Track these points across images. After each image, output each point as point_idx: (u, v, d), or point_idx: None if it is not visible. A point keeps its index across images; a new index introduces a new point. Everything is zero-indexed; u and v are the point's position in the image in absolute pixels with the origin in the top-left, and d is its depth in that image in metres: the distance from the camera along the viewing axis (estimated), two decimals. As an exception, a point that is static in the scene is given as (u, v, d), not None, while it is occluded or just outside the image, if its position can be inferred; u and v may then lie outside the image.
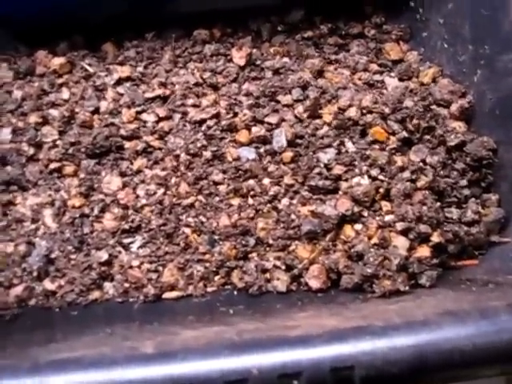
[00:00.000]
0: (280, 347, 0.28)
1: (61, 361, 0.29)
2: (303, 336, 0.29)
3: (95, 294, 0.43)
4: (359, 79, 0.52)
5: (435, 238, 0.40)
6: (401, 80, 0.52)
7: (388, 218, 0.42)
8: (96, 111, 0.50)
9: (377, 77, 0.53)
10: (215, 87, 0.52)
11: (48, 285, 0.44)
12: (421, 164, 0.43)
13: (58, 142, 0.49)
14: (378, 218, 0.42)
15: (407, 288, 0.38)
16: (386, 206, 0.43)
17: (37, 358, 0.30)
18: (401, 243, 0.40)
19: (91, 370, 0.28)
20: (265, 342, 0.29)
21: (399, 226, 0.40)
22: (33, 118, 0.50)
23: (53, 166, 0.48)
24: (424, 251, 0.40)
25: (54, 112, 0.51)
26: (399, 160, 0.44)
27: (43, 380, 0.28)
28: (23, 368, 0.29)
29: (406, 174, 0.43)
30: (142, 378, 0.27)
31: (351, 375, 0.28)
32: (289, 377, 0.27)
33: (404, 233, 0.40)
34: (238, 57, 0.54)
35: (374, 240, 0.41)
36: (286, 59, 0.55)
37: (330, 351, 0.28)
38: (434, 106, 0.48)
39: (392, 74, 0.53)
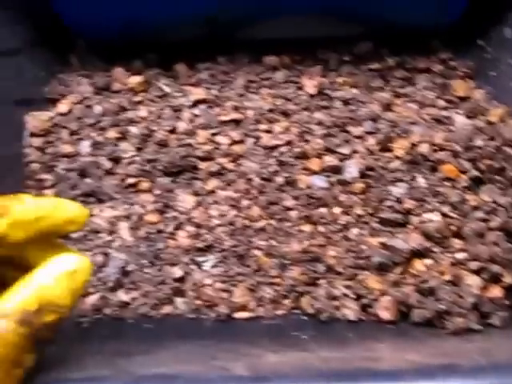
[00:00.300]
0: (372, 379, 0.29)
1: (158, 376, 0.31)
2: (393, 370, 0.30)
3: (167, 309, 0.45)
4: (427, 114, 0.53)
5: (507, 279, 0.41)
6: (468, 118, 0.53)
7: (460, 255, 0.43)
8: (173, 131, 0.53)
9: (444, 113, 0.54)
10: (287, 114, 0.54)
11: (122, 296, 0.46)
12: (493, 204, 0.44)
13: (136, 158, 0.52)
14: (449, 255, 0.43)
15: (479, 327, 0.39)
16: (457, 243, 0.43)
17: (132, 372, 0.32)
18: (474, 282, 0.41)
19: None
20: (355, 372, 0.30)
21: (473, 265, 0.41)
22: (111, 134, 0.53)
23: (129, 181, 0.51)
24: (496, 291, 0.41)
25: (132, 129, 0.53)
26: (471, 199, 0.45)
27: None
28: (122, 380, 0.30)
29: (479, 214, 0.44)
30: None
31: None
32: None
33: (477, 272, 0.41)
34: (310, 85, 0.55)
35: (447, 276, 0.42)
36: (354, 90, 0.56)
37: (421, 388, 0.29)
38: (504, 147, 0.48)
39: (459, 111, 0.54)
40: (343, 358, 0.34)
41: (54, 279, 0.30)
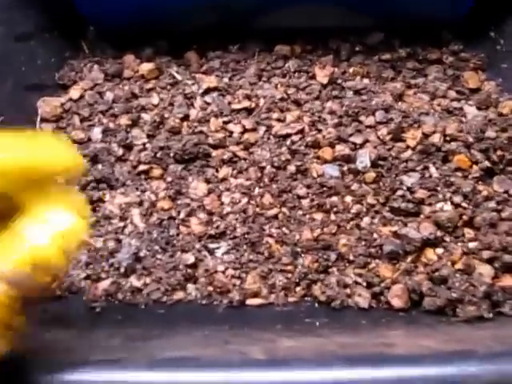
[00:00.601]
0: (389, 364, 0.30)
1: (178, 358, 0.31)
2: (409, 355, 0.30)
3: (179, 295, 0.45)
4: (438, 105, 0.54)
5: (519, 268, 0.42)
6: (479, 109, 0.53)
7: (472, 245, 0.43)
8: (185, 118, 0.53)
9: (455, 104, 0.54)
10: (299, 103, 0.54)
11: (134, 282, 0.46)
12: (505, 195, 0.45)
13: (148, 145, 0.52)
14: (460, 244, 0.43)
15: (491, 315, 0.39)
16: (469, 233, 0.44)
17: (150, 353, 0.32)
18: (486, 271, 0.41)
19: (209, 370, 0.30)
20: (372, 357, 0.30)
21: (485, 254, 0.42)
22: (123, 120, 0.53)
23: (141, 167, 0.51)
24: (508, 280, 0.41)
25: (144, 115, 0.53)
26: (483, 189, 0.45)
27: (164, 375, 0.29)
28: (142, 363, 0.31)
29: (492, 204, 0.44)
30: (259, 382, 0.29)
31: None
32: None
33: (489, 261, 0.42)
34: (321, 75, 0.55)
35: (459, 265, 0.42)
36: (366, 80, 0.56)
37: (438, 372, 0.29)
38: (516, 139, 0.49)
39: (470, 103, 0.54)
40: (357, 344, 0.34)
41: (47, 239, 0.28)
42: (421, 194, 0.46)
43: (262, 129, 0.52)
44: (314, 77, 0.56)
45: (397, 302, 0.42)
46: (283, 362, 0.30)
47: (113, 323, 0.43)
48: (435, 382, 0.29)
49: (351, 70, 0.57)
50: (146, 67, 0.57)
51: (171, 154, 0.51)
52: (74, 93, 0.55)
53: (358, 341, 0.35)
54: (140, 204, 0.49)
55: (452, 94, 0.55)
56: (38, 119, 0.53)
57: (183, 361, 0.31)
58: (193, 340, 0.36)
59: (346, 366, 0.30)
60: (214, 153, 0.51)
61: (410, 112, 0.52)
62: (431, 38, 0.61)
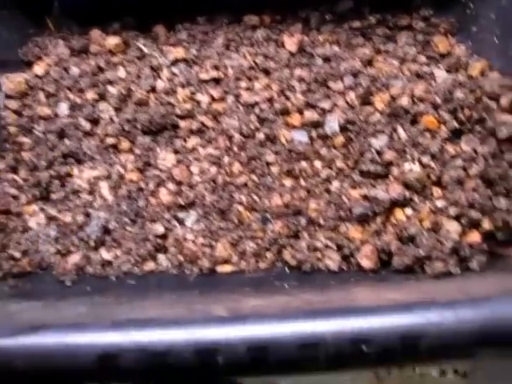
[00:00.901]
0: (352, 315, 0.30)
1: (141, 319, 0.31)
2: (373, 306, 0.30)
3: (150, 265, 0.45)
4: (408, 70, 0.53)
5: (486, 224, 0.42)
6: (449, 72, 0.53)
7: (439, 203, 0.43)
8: (152, 90, 0.52)
9: (425, 68, 0.53)
10: (267, 72, 0.53)
11: (104, 254, 0.46)
12: (472, 153, 0.45)
13: (115, 119, 0.51)
14: (429, 204, 0.43)
15: (458, 271, 0.40)
16: (437, 192, 0.44)
17: (115, 316, 0.32)
18: (453, 227, 0.41)
19: (172, 327, 0.29)
20: (336, 310, 0.30)
21: (452, 211, 0.42)
22: (90, 95, 0.52)
23: (109, 141, 0.50)
24: (475, 236, 0.41)
25: (110, 89, 0.52)
26: (451, 149, 0.45)
27: (127, 335, 0.29)
28: (106, 324, 0.30)
29: (459, 162, 0.44)
30: (222, 337, 0.29)
31: (418, 344, 0.29)
32: (360, 343, 0.29)
33: (456, 218, 0.42)
34: (290, 43, 0.55)
35: (426, 224, 0.42)
36: (335, 47, 0.56)
37: (399, 321, 0.29)
38: (485, 98, 0.48)
39: (440, 66, 0.54)
40: (323, 300, 0.34)
41: None
42: (389, 155, 0.46)
43: (231, 98, 0.51)
44: (282, 45, 0.55)
45: (366, 263, 0.42)
46: (245, 317, 0.30)
47: (82, 295, 0.42)
48: (396, 330, 0.29)
49: (321, 38, 0.57)
50: (112, 41, 0.56)
51: (139, 127, 0.50)
52: (39, 69, 0.54)
53: (324, 298, 0.35)
54: (108, 177, 0.49)
55: (422, 58, 0.55)
56: (3, 96, 0.52)
57: (146, 321, 0.30)
58: (161, 303, 0.36)
59: (308, 319, 0.30)
60: (182, 123, 0.50)
61: (378, 76, 0.51)
62: (401, 5, 0.60)
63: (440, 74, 0.53)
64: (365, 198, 0.45)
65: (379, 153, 0.46)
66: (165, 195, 0.47)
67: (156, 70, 0.53)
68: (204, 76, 0.52)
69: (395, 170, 0.45)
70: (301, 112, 0.49)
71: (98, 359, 0.29)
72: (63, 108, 0.52)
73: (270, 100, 0.51)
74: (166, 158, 0.49)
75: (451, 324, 0.29)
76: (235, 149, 0.49)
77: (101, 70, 0.54)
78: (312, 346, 0.28)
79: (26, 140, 0.51)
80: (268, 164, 0.48)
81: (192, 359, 0.28)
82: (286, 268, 0.44)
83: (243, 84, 0.52)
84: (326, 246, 0.44)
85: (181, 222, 0.46)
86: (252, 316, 0.30)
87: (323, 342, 0.29)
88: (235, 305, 0.34)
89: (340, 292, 0.36)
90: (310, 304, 0.32)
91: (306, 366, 0.29)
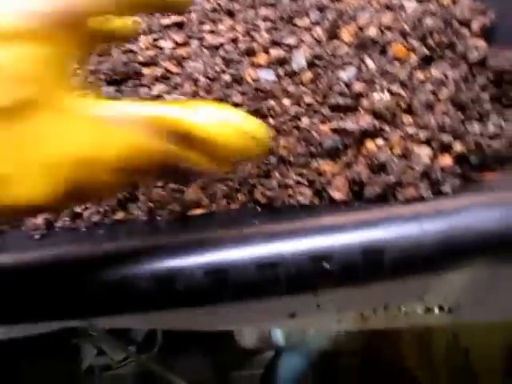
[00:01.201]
0: (311, 234, 0.29)
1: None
2: (334, 224, 0.30)
3: (120, 215, 0.44)
4: (377, 2, 0.51)
5: (457, 147, 0.40)
6: (420, 2, 0.51)
7: (410, 129, 0.42)
8: (113, 39, 0.50)
9: (395, 0, 0.52)
10: (231, 13, 0.52)
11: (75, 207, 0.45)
12: (442, 77, 0.43)
13: (78, 71, 0.49)
14: (399, 132, 0.42)
15: (431, 195, 0.39)
16: (407, 119, 0.43)
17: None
18: (424, 152, 0.40)
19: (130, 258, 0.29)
20: (296, 230, 0.30)
21: (422, 135, 0.41)
22: (50, 48, 0.50)
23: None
24: (446, 160, 0.40)
25: (71, 41, 0.50)
26: (421, 75, 0.44)
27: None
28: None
29: (428, 87, 0.43)
30: (177, 265, 0.28)
31: (381, 258, 0.28)
32: (320, 259, 0.28)
33: (427, 142, 0.41)
34: (254, -17, 0.53)
35: (397, 151, 0.41)
36: (301, -15, 0.54)
37: (360, 236, 0.28)
38: (455, 23, 0.47)
39: (411, -3, 0.52)
40: (288, 229, 0.33)
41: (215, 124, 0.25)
42: (358, 87, 0.44)
43: (195, 42, 0.50)
44: (246, -14, 0.53)
45: (338, 195, 0.41)
46: (202, 244, 0.29)
47: (52, 246, 0.42)
48: (359, 245, 0.29)
49: (286, -24, 0.55)
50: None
51: (102, 77, 0.49)
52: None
53: (291, 226, 0.34)
54: (74, 130, 0.47)
55: (391, -10, 0.53)
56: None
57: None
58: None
59: (267, 241, 0.29)
60: (146, 70, 0.49)
61: (346, 10, 0.50)
62: None
63: (410, 4, 0.51)
64: (335, 131, 0.43)
65: (348, 85, 0.45)
66: (131, 144, 0.46)
67: (117, 19, 0.51)
68: (166, 21, 0.51)
69: (364, 101, 0.44)
70: (266, 51, 0.48)
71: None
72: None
73: (235, 41, 0.49)
74: (131, 107, 0.47)
75: (415, 236, 0.28)
76: (201, 93, 0.47)
77: (60, 23, 0.52)
78: (271, 266, 0.28)
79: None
80: (235, 105, 0.46)
81: (150, 288, 0.28)
82: (258, 206, 0.43)
83: (207, 27, 0.50)
84: (298, 183, 0.43)
85: (149, 169, 0.45)
86: (211, 243, 0.29)
87: (283, 262, 0.28)
88: (199, 237, 0.33)
89: (309, 220, 0.36)
90: (272, 229, 0.31)
91: (267, 289, 0.28)
